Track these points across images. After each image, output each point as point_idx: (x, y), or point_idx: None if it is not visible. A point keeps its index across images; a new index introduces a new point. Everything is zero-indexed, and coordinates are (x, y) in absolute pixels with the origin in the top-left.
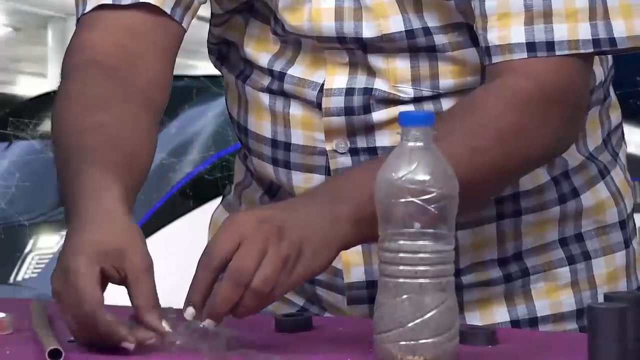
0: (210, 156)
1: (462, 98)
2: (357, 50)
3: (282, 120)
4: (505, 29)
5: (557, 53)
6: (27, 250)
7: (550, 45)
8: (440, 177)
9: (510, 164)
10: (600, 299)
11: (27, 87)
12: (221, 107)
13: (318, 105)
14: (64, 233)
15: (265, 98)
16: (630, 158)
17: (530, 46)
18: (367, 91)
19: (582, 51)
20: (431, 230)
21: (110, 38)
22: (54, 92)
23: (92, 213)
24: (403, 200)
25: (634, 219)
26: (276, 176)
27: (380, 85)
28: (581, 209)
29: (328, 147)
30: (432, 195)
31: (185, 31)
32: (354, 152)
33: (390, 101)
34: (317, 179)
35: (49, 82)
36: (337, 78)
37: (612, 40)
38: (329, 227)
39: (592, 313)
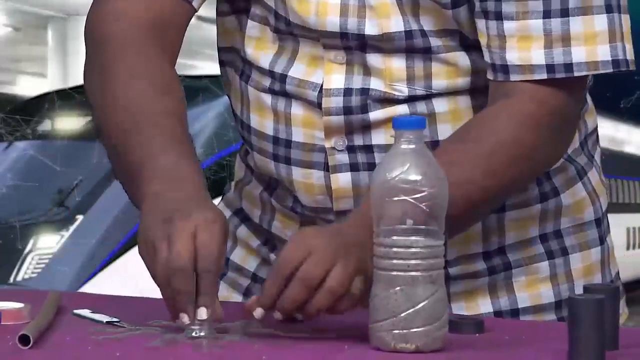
0: (212, 155)
1: (475, 118)
2: (355, 50)
3: (284, 119)
4: (526, 51)
5: (576, 74)
6: (27, 250)
7: (568, 67)
8: (431, 177)
9: (519, 182)
10: (578, 291)
11: (27, 87)
12: (221, 107)
13: (319, 105)
14: (64, 233)
15: (267, 98)
16: (630, 158)
17: (550, 68)
18: (365, 92)
19: (601, 71)
20: (422, 227)
21: (140, 8)
22: (54, 92)
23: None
24: (396, 198)
25: (607, 218)
26: (277, 171)
27: (376, 84)
28: (561, 207)
29: (327, 144)
30: (423, 194)
31: (196, 11)
32: (351, 149)
33: (386, 100)
34: (316, 174)
35: (49, 82)
36: (334, 77)
37: (627, 62)
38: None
39: (572, 303)
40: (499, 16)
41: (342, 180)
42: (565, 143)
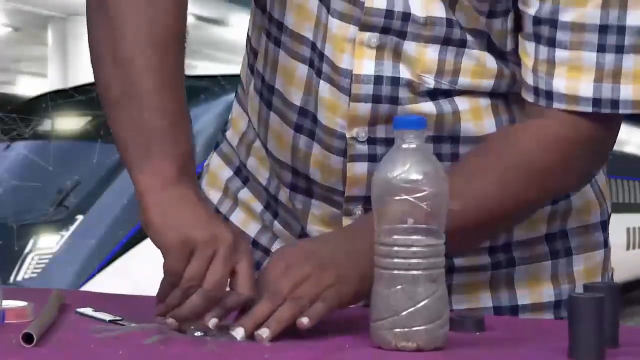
0: None
1: (501, 131)
2: (391, 35)
3: (315, 95)
4: (575, 81)
5: (621, 111)
6: (27, 250)
7: (614, 104)
8: (432, 177)
9: (538, 201)
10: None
11: (27, 87)
12: (221, 107)
13: (348, 92)
14: (64, 233)
15: (302, 68)
16: (631, 158)
17: (596, 102)
18: (395, 81)
19: None
20: (423, 226)
21: None
22: (54, 92)
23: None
24: (397, 198)
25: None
26: (294, 142)
27: (405, 73)
28: (570, 208)
29: (348, 134)
30: (424, 193)
31: None
32: (371, 141)
33: (413, 90)
34: (334, 159)
35: (49, 82)
36: (365, 62)
37: None
38: (361, 262)
39: (573, 302)
40: (552, 43)
41: (358, 169)
42: (591, 175)
